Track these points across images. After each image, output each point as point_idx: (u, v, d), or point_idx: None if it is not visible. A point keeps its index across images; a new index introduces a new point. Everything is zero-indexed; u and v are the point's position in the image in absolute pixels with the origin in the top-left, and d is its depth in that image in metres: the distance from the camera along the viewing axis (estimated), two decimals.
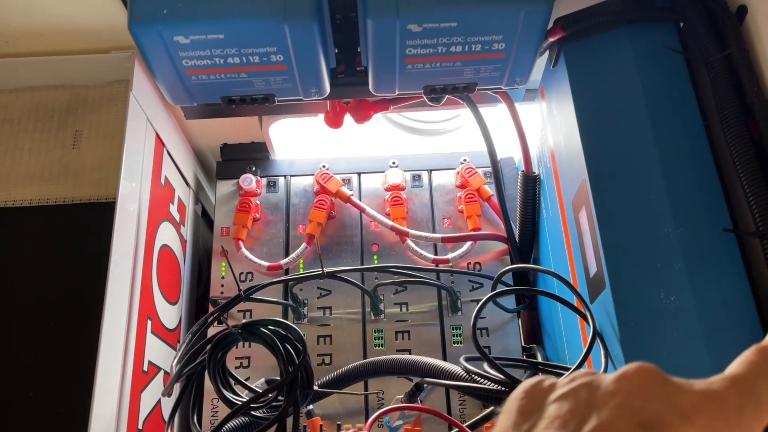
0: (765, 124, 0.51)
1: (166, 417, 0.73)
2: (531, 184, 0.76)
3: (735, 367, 0.24)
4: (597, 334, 0.55)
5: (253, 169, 0.89)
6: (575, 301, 0.62)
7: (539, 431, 0.23)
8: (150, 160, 0.73)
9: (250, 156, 0.90)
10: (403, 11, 0.53)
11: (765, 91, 0.53)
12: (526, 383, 0.26)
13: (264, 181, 0.89)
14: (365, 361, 0.66)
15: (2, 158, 0.68)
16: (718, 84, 0.53)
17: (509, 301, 0.81)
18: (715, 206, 0.54)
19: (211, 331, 0.74)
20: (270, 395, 0.56)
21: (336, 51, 0.63)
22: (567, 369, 0.56)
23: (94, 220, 0.64)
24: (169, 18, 0.52)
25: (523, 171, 0.76)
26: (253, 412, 0.57)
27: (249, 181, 0.86)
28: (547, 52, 0.68)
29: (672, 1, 0.60)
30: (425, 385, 0.63)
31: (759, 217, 0.49)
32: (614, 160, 0.57)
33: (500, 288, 0.67)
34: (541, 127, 0.75)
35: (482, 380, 0.55)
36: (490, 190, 0.86)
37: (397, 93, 0.62)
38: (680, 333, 0.50)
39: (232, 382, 0.59)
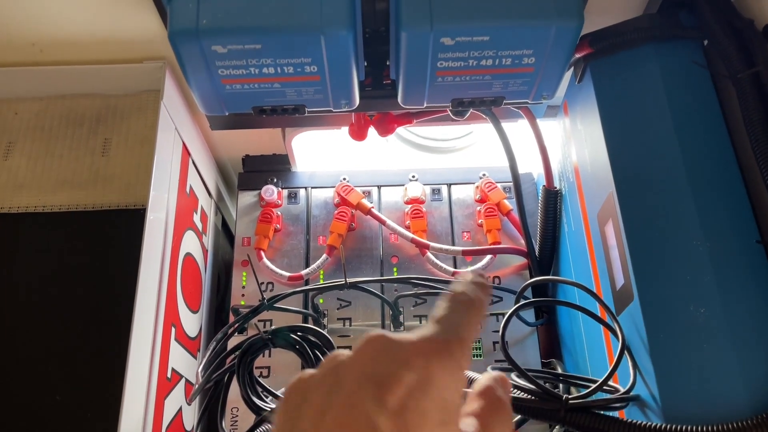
0: None
1: (188, 424, 0.73)
2: (552, 198, 0.77)
3: (434, 312, 0.30)
4: (626, 346, 0.55)
5: (275, 180, 0.90)
6: (600, 314, 0.62)
7: (303, 420, 0.27)
8: (177, 169, 0.74)
9: (271, 167, 0.91)
10: (437, 24, 0.54)
11: None
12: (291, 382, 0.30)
13: (285, 192, 0.90)
14: None
15: (33, 164, 0.68)
16: (747, 100, 0.54)
17: (528, 316, 0.81)
18: (743, 219, 0.54)
19: (231, 342, 0.74)
20: None
21: (365, 64, 0.64)
22: (594, 381, 0.57)
23: (123, 227, 0.65)
24: (209, 27, 0.53)
25: (544, 186, 0.77)
26: None
27: (271, 192, 0.87)
28: (572, 69, 0.69)
29: (698, 20, 0.62)
30: None
31: None
32: (642, 173, 0.58)
33: (523, 301, 0.68)
34: (563, 142, 0.76)
35: (511, 389, 0.55)
36: (509, 204, 0.87)
37: (425, 105, 0.63)
38: (710, 345, 0.50)
39: (259, 388, 0.59)
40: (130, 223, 0.65)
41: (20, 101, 0.72)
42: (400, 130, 0.96)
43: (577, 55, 0.65)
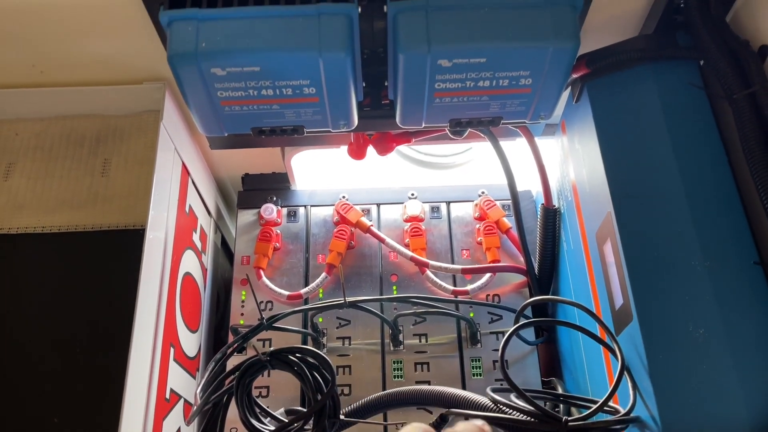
0: None
1: None
2: (551, 217, 0.77)
3: None
4: (625, 366, 0.55)
5: (274, 199, 0.90)
6: (599, 334, 0.62)
7: None
8: (176, 188, 0.74)
9: (271, 186, 0.91)
10: (434, 47, 0.54)
11: None
12: None
13: (284, 211, 0.90)
14: (390, 391, 0.65)
15: (33, 185, 0.69)
16: (743, 120, 0.54)
17: (528, 334, 0.81)
18: (742, 239, 0.54)
19: (230, 362, 0.74)
20: (297, 424, 0.56)
21: (363, 85, 0.64)
22: (594, 402, 0.56)
23: (122, 247, 0.65)
24: (208, 50, 0.54)
25: (543, 204, 0.77)
26: None
27: (270, 210, 0.87)
28: (569, 88, 0.70)
29: (694, 40, 0.62)
30: (450, 416, 0.63)
31: None
32: (640, 193, 0.58)
33: (523, 320, 0.67)
34: (561, 161, 0.76)
35: (510, 411, 0.55)
36: (508, 222, 0.87)
37: (423, 126, 0.64)
38: (710, 365, 0.50)
39: (257, 410, 0.59)
40: (129, 243, 0.65)
41: (21, 122, 0.72)
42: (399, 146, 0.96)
43: (574, 76, 0.66)
